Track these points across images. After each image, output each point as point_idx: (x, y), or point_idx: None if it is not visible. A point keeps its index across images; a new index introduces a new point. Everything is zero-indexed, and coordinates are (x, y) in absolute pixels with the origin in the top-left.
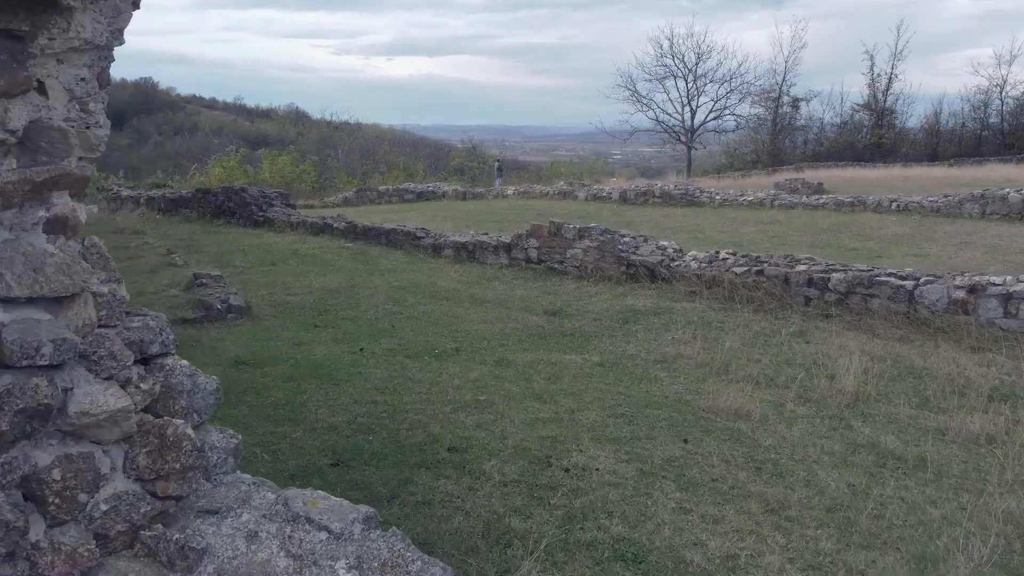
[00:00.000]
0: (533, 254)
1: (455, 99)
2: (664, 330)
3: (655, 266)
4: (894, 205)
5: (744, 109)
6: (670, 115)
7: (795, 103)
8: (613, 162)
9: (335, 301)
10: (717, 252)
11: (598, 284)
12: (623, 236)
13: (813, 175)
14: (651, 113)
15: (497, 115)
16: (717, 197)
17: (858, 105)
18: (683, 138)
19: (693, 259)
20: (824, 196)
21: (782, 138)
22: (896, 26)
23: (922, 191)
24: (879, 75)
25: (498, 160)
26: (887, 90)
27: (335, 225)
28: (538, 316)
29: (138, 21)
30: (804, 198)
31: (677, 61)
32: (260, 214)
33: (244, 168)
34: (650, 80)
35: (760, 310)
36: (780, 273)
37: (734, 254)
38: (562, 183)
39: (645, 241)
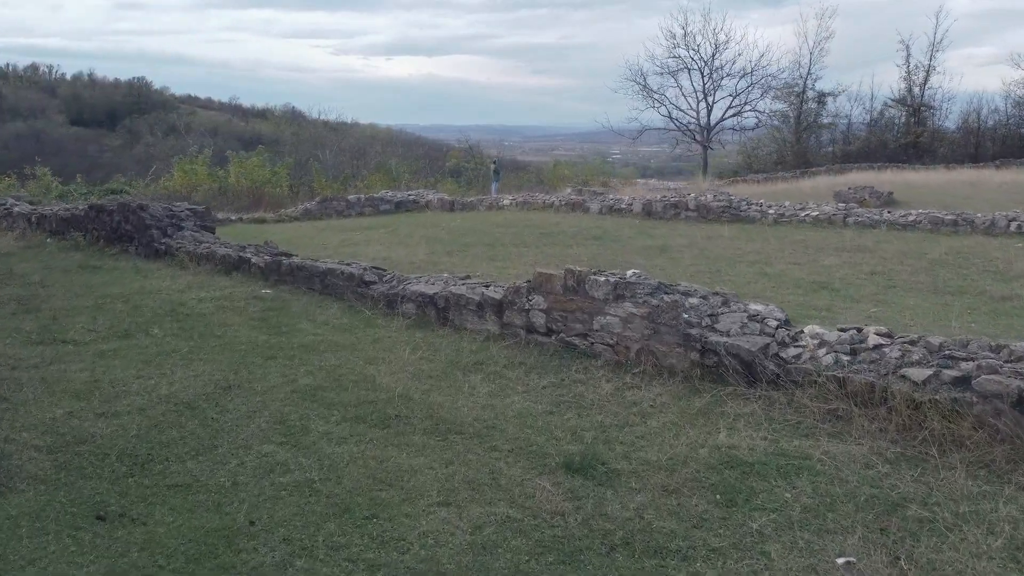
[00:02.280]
0: (539, 319)
1: (454, 99)
2: (816, 533)
3: (756, 358)
4: (1013, 226)
5: (765, 105)
6: (684, 111)
7: (821, 98)
8: (613, 162)
9: (177, 434)
10: (860, 331)
11: (652, 383)
12: (686, 295)
13: (858, 179)
14: (663, 109)
15: (496, 115)
16: (770, 211)
17: (892, 100)
18: (698, 137)
19: (820, 344)
20: (912, 212)
21: (807, 136)
22: (935, 12)
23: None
24: (915, 67)
25: (494, 161)
26: (925, 84)
27: (253, 260)
28: (550, 478)
29: (137, 22)
30: (887, 214)
31: (692, 52)
32: (162, 241)
33: (214, 171)
34: (662, 73)
35: (980, 465)
36: (1003, 388)
37: (890, 337)
38: (569, 191)
39: (726, 305)
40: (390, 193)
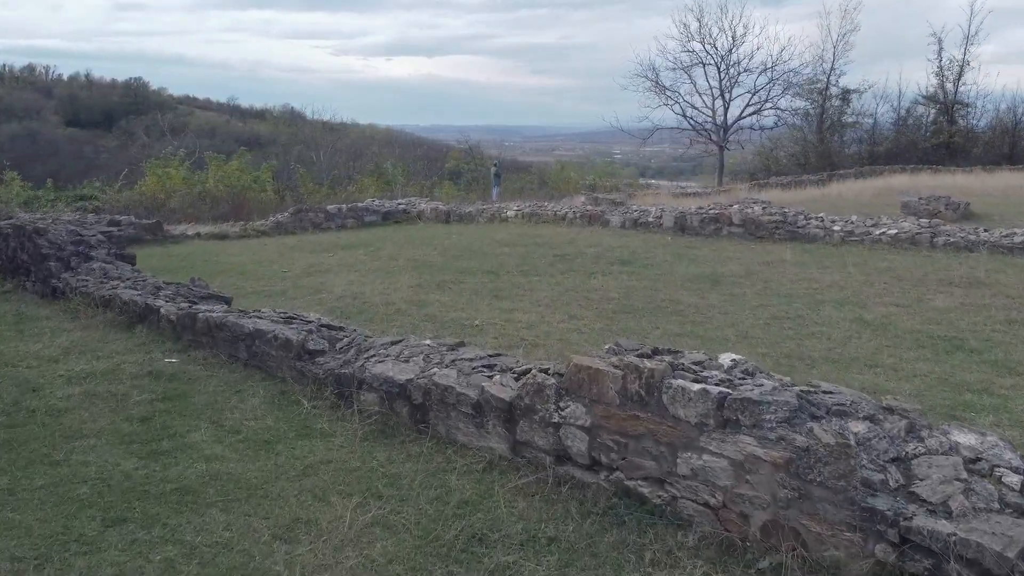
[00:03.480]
0: (578, 442)
1: (454, 99)
2: None
3: (1015, 570)
4: None
5: (786, 102)
6: (698, 110)
7: (845, 96)
8: (613, 162)
9: None
10: None
11: None
12: (843, 414)
13: (892, 183)
14: (677, 108)
15: (496, 115)
16: (835, 228)
17: (923, 97)
18: (714, 136)
19: None
20: (1017, 230)
21: (830, 136)
22: (969, 3)
23: None
24: (949, 62)
25: (495, 163)
26: (958, 80)
27: (164, 310)
28: None
29: (138, 23)
30: (984, 232)
31: (708, 46)
32: (62, 276)
33: (192, 176)
34: (674, 69)
35: None
36: None
37: None
38: (583, 199)
39: (914, 433)
40: (377, 202)
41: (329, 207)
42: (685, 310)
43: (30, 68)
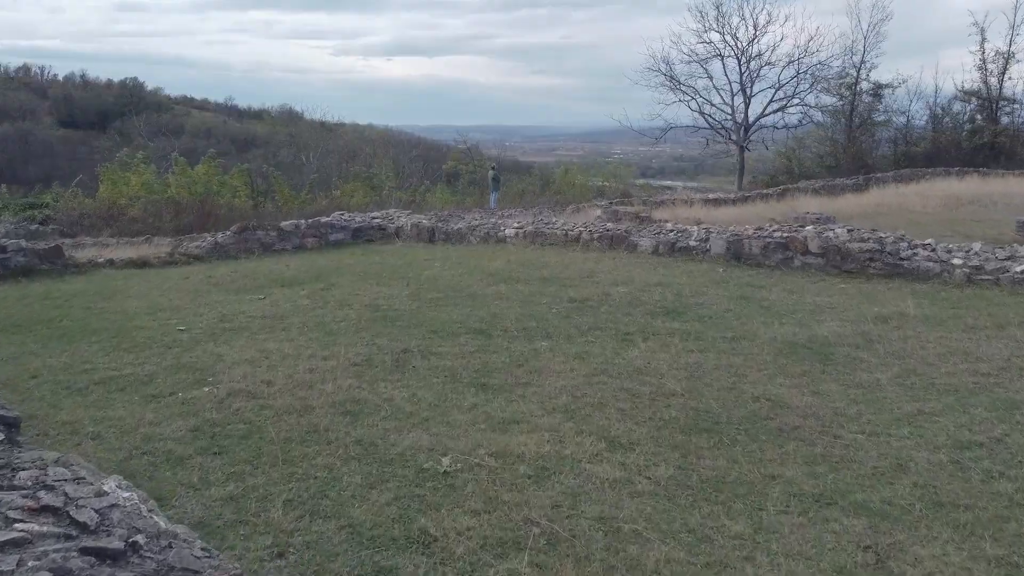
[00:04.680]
0: None
1: (454, 100)
2: None
3: None
4: None
5: (814, 98)
6: (716, 107)
7: (877, 91)
8: (614, 162)
9: None
10: None
11: None
12: None
13: (945, 189)
14: (694, 104)
15: (497, 115)
16: (955, 261)
17: (963, 93)
18: (734, 136)
19: None
20: None
21: (861, 135)
22: None
23: None
24: (993, 54)
25: (493, 167)
26: (1003, 73)
27: None
28: None
29: (138, 24)
30: None
31: (727, 36)
32: None
33: (156, 182)
34: (690, 62)
35: None
36: None
37: None
38: (600, 213)
39: None
40: (347, 216)
41: (284, 224)
42: (800, 426)
43: (25, 68)
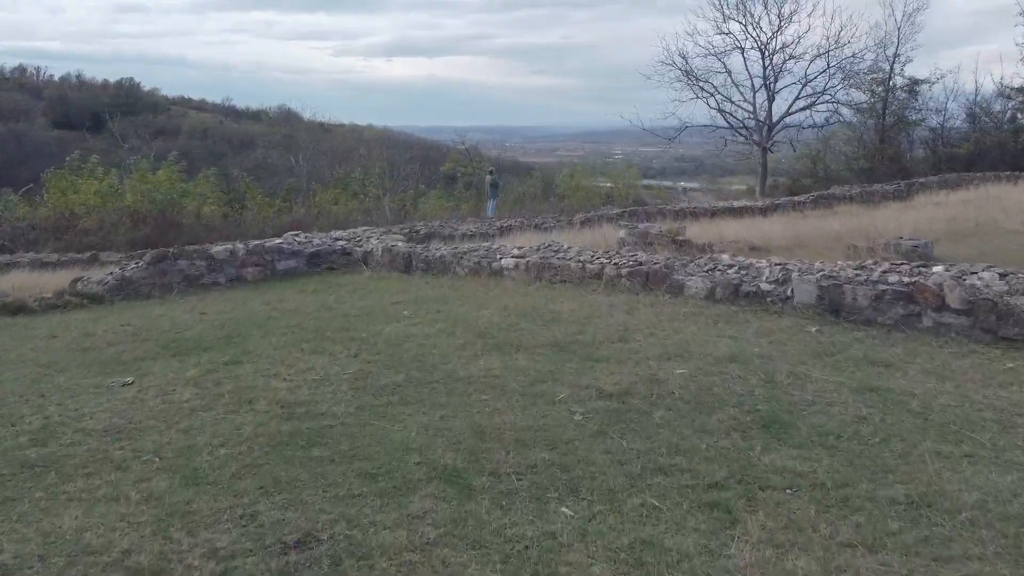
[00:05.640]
0: None
1: (455, 100)
2: None
3: None
4: None
5: (843, 94)
6: (736, 104)
7: (912, 87)
8: (615, 162)
9: None
10: None
11: None
12: None
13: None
14: (713, 101)
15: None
16: None
17: (1012, 89)
18: (755, 136)
19: None
20: None
21: (895, 135)
22: None
23: None
24: None
25: (491, 171)
26: None
27: None
28: None
29: (138, 24)
30: None
31: (750, 27)
32: None
33: (118, 187)
34: (707, 55)
35: None
36: None
37: None
38: (622, 233)
39: None
40: (302, 238)
41: (216, 249)
42: None
43: (20, 69)
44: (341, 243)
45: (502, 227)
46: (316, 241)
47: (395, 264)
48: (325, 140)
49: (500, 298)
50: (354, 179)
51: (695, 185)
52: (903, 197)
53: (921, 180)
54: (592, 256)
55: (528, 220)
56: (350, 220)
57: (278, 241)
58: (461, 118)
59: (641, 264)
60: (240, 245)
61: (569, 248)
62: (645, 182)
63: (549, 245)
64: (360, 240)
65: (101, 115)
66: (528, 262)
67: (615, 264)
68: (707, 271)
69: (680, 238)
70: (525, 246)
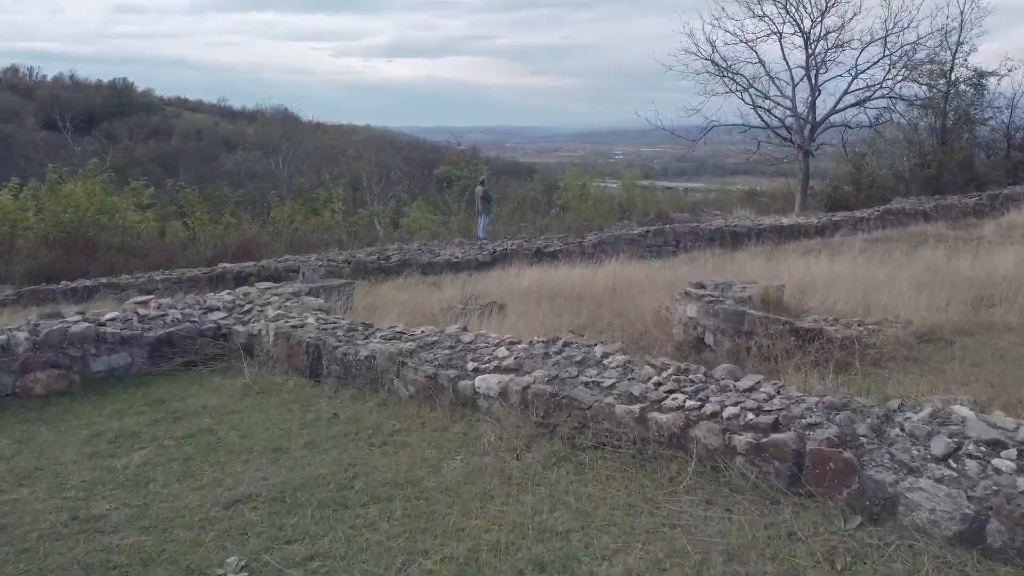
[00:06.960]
0: None
1: (455, 100)
2: None
3: None
4: None
5: (905, 89)
6: (773, 99)
7: (979, 81)
8: (615, 162)
9: None
10: None
11: None
12: None
13: None
14: (747, 96)
15: (497, 116)
16: None
17: None
18: (797, 137)
19: None
20: None
21: (959, 137)
22: None
23: None
24: None
25: (482, 181)
26: None
27: None
28: None
29: (138, 25)
30: None
31: (790, 9)
32: None
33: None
34: (737, 43)
35: None
36: None
37: None
38: (693, 311)
39: None
40: (152, 310)
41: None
42: None
43: (13, 69)
44: (216, 317)
45: (495, 252)
46: (170, 316)
47: (296, 363)
48: (311, 140)
49: (466, 501)
50: (321, 189)
51: (698, 185)
52: (985, 212)
53: (1005, 191)
54: (654, 382)
55: (528, 242)
56: (310, 240)
57: (109, 315)
58: (461, 119)
59: (778, 427)
60: (22, 333)
61: (605, 356)
62: (644, 182)
63: (567, 342)
64: (249, 313)
65: (94, 116)
66: (528, 388)
67: (712, 415)
68: (946, 459)
69: (789, 322)
70: (520, 343)
